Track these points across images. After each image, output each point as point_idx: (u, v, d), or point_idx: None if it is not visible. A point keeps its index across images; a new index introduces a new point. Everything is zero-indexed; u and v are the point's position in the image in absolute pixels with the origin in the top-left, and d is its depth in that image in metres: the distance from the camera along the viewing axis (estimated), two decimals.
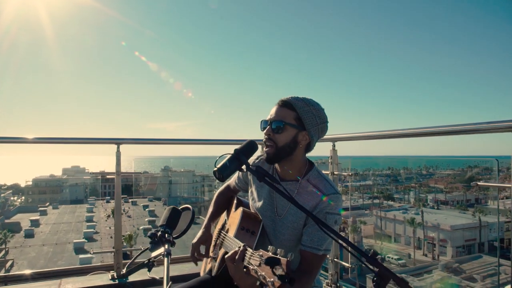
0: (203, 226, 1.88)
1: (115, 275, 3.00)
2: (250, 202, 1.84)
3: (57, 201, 49.34)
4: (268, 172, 1.45)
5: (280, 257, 1.00)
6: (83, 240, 37.22)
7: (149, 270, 1.30)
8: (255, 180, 1.81)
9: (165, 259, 1.22)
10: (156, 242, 1.33)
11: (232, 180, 2.02)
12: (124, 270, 1.30)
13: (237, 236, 1.58)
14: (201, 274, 1.91)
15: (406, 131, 2.61)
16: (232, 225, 1.71)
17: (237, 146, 1.51)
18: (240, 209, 1.73)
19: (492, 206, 44.69)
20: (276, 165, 1.71)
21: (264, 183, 1.74)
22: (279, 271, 0.98)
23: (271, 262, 1.00)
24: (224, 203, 2.02)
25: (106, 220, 42.34)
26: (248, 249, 1.21)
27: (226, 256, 1.26)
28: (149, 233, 1.37)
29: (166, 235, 1.33)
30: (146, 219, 40.33)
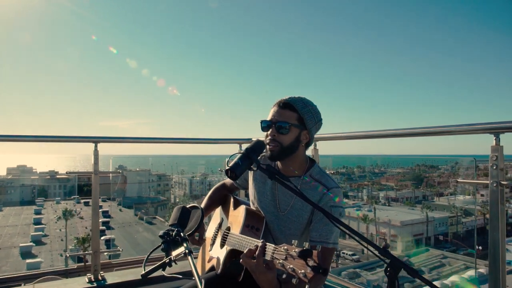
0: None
1: (92, 277, 2.92)
2: (251, 199, 1.88)
3: (0, 202, 46.29)
4: (278, 170, 1.51)
5: (311, 249, 1.07)
6: (31, 243, 35.21)
7: (163, 269, 1.30)
8: (256, 177, 1.85)
9: (189, 257, 1.23)
10: (170, 241, 1.33)
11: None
12: (143, 271, 1.28)
13: (243, 233, 1.61)
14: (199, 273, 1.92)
15: (387, 131, 2.78)
16: (235, 223, 1.74)
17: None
18: (243, 207, 1.77)
19: (438, 202, 47.52)
20: (278, 162, 1.77)
21: (266, 180, 1.81)
22: (311, 263, 1.04)
23: (305, 255, 1.05)
24: (218, 200, 2.05)
25: (56, 222, 40.31)
26: (269, 244, 1.26)
27: (244, 253, 1.30)
28: (161, 233, 1.37)
29: (182, 234, 1.33)
30: (100, 220, 38.82)
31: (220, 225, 1.95)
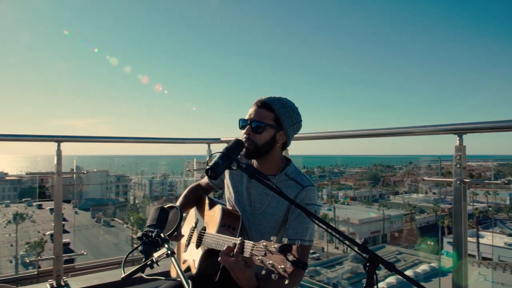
0: None
1: (54, 283, 2.80)
2: (228, 198, 1.89)
3: None
4: (257, 169, 1.52)
5: (291, 244, 1.08)
6: None
7: (143, 272, 1.26)
8: (232, 176, 1.85)
9: (172, 258, 1.20)
10: (149, 242, 1.30)
11: (205, 178, 2.04)
12: (123, 273, 1.23)
13: (219, 232, 1.61)
14: (174, 274, 1.88)
15: (355, 132, 2.86)
16: (211, 223, 1.73)
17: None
18: (219, 206, 1.76)
19: (393, 200, 49.41)
20: (254, 161, 1.78)
21: (242, 179, 1.82)
22: (291, 257, 1.05)
23: (285, 250, 1.07)
24: (193, 199, 2.03)
25: (5, 227, 37.99)
26: (247, 241, 1.26)
27: (222, 251, 1.30)
28: (139, 234, 1.34)
29: (162, 234, 1.30)
30: (53, 224, 36.98)
31: (195, 225, 1.93)
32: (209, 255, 1.64)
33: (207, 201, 1.93)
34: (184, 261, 1.82)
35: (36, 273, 2.99)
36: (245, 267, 1.29)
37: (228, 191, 1.89)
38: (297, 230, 1.63)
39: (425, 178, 2.17)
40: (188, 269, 1.74)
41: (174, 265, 1.17)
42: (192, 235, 1.90)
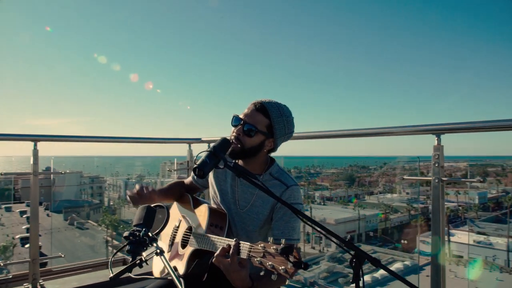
0: None
1: (30, 287, 2.73)
2: (212, 196, 1.89)
3: None
4: (245, 168, 1.52)
5: (292, 246, 1.10)
6: None
7: (130, 271, 1.25)
8: (217, 175, 1.86)
9: (161, 257, 1.19)
10: (136, 242, 1.29)
11: (189, 178, 2.06)
12: (111, 273, 1.21)
13: (207, 232, 1.61)
14: (156, 275, 1.86)
15: (335, 132, 2.91)
16: (198, 223, 1.71)
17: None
18: (206, 206, 1.76)
19: (368, 200, 50.37)
20: (239, 160, 1.78)
21: (226, 178, 1.82)
22: (292, 259, 1.07)
23: (287, 251, 1.08)
24: (176, 193, 2.02)
25: None
26: (243, 243, 1.27)
27: (217, 252, 1.30)
28: (126, 234, 1.32)
29: (150, 234, 1.29)
30: (24, 227, 35.70)
31: (178, 225, 1.92)
32: (197, 255, 1.63)
33: (190, 200, 1.92)
34: (169, 261, 1.80)
35: (11, 277, 2.89)
36: (240, 267, 1.29)
37: (213, 189, 1.89)
38: (283, 230, 1.64)
39: (405, 177, 2.24)
40: (174, 269, 1.72)
41: (164, 264, 1.17)
42: (175, 235, 1.89)
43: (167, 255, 1.83)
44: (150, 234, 1.30)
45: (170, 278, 1.68)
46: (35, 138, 2.78)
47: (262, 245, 1.17)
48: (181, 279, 1.12)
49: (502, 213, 41.38)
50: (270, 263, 1.11)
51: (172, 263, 1.76)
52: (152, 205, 1.53)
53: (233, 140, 1.65)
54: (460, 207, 43.01)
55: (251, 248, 1.22)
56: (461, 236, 30.79)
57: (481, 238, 31.53)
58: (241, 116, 1.68)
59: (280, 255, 1.09)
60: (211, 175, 1.90)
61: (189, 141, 3.68)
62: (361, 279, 1.27)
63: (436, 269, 2.01)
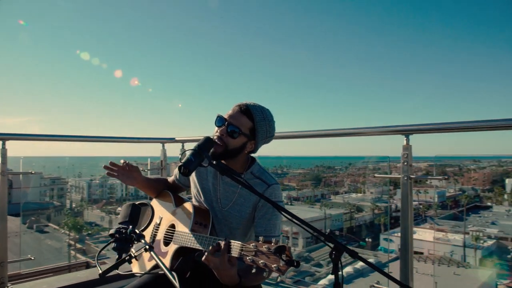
0: None
1: None
2: (194, 195, 1.91)
3: None
4: (228, 166, 1.56)
5: (285, 245, 1.15)
6: None
7: (117, 268, 1.26)
8: (199, 174, 1.88)
9: (151, 252, 1.21)
10: (122, 239, 1.30)
11: (171, 178, 2.10)
12: (100, 270, 1.21)
13: (192, 230, 1.63)
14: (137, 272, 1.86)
15: (306, 132, 2.99)
16: (181, 221, 1.73)
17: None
18: (189, 204, 1.78)
19: (334, 200, 51.42)
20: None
21: (207, 177, 1.85)
22: (284, 257, 1.12)
23: (280, 250, 1.13)
24: (159, 188, 2.05)
25: None
26: (234, 241, 1.31)
27: (208, 251, 1.33)
28: (112, 231, 1.33)
29: (137, 230, 1.31)
30: None
31: (159, 222, 1.92)
32: (181, 253, 1.65)
33: (172, 197, 1.93)
34: (151, 259, 1.81)
35: None
36: (230, 265, 1.32)
37: (195, 188, 1.91)
38: (265, 227, 1.69)
39: (376, 175, 2.34)
40: (156, 266, 1.73)
41: (155, 259, 1.19)
42: (157, 232, 1.89)
43: (148, 253, 1.83)
44: (137, 230, 1.31)
45: (158, 273, 1.71)
46: (4, 137, 2.70)
47: (253, 244, 1.22)
48: (173, 273, 1.14)
49: (459, 211, 43.49)
50: (262, 261, 1.16)
51: (153, 261, 1.76)
52: (137, 203, 1.54)
53: (216, 140, 1.68)
54: (421, 206, 44.78)
55: (243, 247, 1.26)
56: (422, 233, 32.05)
57: (440, 235, 32.99)
58: (225, 116, 1.71)
59: (273, 254, 1.14)
60: (193, 174, 1.92)
61: (163, 140, 3.66)
62: (340, 270, 1.35)
63: (405, 260, 2.13)
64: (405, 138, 2.14)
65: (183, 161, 1.50)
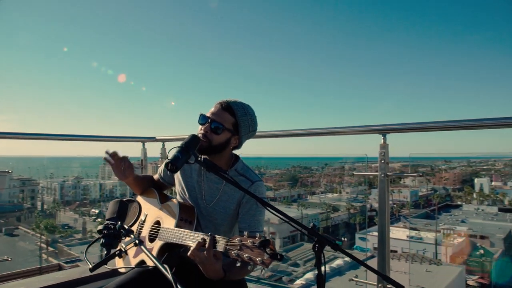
0: None
1: None
2: (179, 192, 1.95)
3: None
4: (214, 163, 1.61)
5: (269, 240, 1.20)
6: None
7: (106, 263, 1.27)
8: (183, 172, 1.92)
9: (141, 247, 1.24)
10: (110, 235, 1.32)
11: (155, 176, 2.13)
12: (90, 265, 1.22)
13: (178, 226, 1.66)
14: (121, 269, 1.87)
15: (285, 132, 3.06)
16: (166, 217, 1.76)
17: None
18: (175, 200, 1.82)
19: (310, 200, 51.97)
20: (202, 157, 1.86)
21: (192, 174, 1.89)
22: (268, 251, 1.17)
23: (264, 244, 1.18)
24: (145, 185, 2.09)
25: None
26: (219, 236, 1.35)
27: (194, 246, 1.37)
28: (100, 227, 1.34)
29: (126, 226, 1.33)
30: None
31: (144, 219, 1.94)
32: (166, 249, 1.68)
33: (157, 195, 1.96)
34: (136, 255, 1.83)
35: None
36: (215, 260, 1.37)
37: (180, 186, 1.95)
38: (249, 223, 1.74)
39: (355, 172, 2.42)
40: (143, 262, 1.75)
41: (146, 253, 1.22)
42: (142, 229, 1.91)
43: (133, 249, 1.84)
44: (126, 226, 1.33)
45: (146, 268, 1.73)
46: None
47: (238, 238, 1.26)
48: (165, 265, 1.17)
49: (431, 210, 44.79)
50: (247, 255, 1.21)
51: (139, 257, 1.78)
52: (124, 199, 1.56)
53: (201, 137, 1.73)
54: (395, 205, 45.83)
55: (228, 242, 1.30)
56: (396, 232, 32.80)
57: (413, 233, 33.88)
58: (208, 114, 1.76)
59: (258, 247, 1.19)
60: (179, 172, 1.95)
61: (143, 139, 3.65)
62: (323, 262, 1.41)
63: (382, 255, 2.22)
64: (382, 137, 2.24)
65: (170, 158, 1.53)
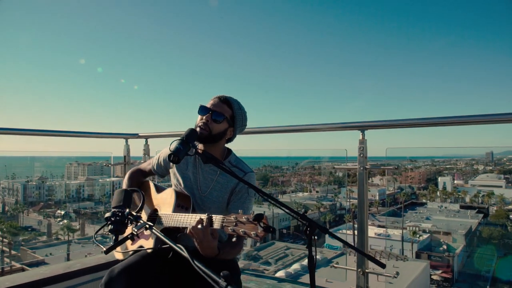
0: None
1: None
2: (175, 183, 2.04)
3: None
4: (212, 155, 1.72)
5: (262, 214, 1.32)
6: None
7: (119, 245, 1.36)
8: (179, 165, 2.02)
9: (154, 230, 1.33)
10: (118, 221, 1.40)
11: (147, 164, 2.22)
12: (103, 248, 1.30)
13: (175, 212, 1.76)
14: (119, 256, 1.95)
15: (264, 128, 3.20)
16: (164, 205, 1.86)
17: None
18: (171, 189, 1.93)
19: (281, 199, 52.46)
20: (200, 150, 1.97)
21: (188, 166, 1.99)
22: (262, 224, 1.29)
23: (258, 218, 1.30)
24: (136, 182, 2.16)
25: None
26: (215, 215, 1.47)
27: (193, 225, 1.48)
28: (107, 214, 1.43)
29: (134, 212, 1.42)
30: None
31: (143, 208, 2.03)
32: (164, 234, 1.77)
33: (151, 186, 2.05)
34: (134, 242, 1.91)
35: None
36: (212, 238, 1.50)
37: (175, 177, 2.04)
38: (239, 208, 1.86)
39: (335, 166, 2.57)
40: (141, 247, 1.84)
41: (159, 235, 1.31)
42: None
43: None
44: (134, 212, 1.43)
45: (141, 253, 1.81)
46: None
47: (234, 216, 1.38)
48: (179, 245, 1.26)
49: (397, 208, 46.33)
50: (242, 229, 1.33)
51: (139, 243, 1.87)
52: (129, 189, 1.65)
53: (202, 126, 1.86)
54: None
55: (224, 219, 1.43)
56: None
57: (381, 230, 34.94)
58: (208, 106, 1.91)
59: (252, 222, 1.31)
60: (173, 166, 2.05)
61: (126, 136, 3.68)
62: (314, 245, 1.55)
63: (361, 242, 2.40)
64: (361, 133, 2.41)
65: (172, 149, 1.64)
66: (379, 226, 36.92)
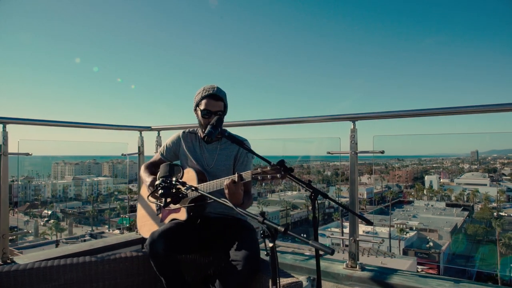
0: (148, 179, 2.35)
1: (0, 262, 2.87)
2: (185, 165, 2.42)
3: None
4: (232, 135, 2.19)
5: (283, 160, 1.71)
6: None
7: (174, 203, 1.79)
8: (187, 146, 2.43)
9: (199, 191, 1.74)
10: (167, 187, 1.77)
11: (155, 157, 2.61)
12: (158, 202, 1.67)
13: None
14: (147, 235, 2.26)
15: (256, 121, 3.54)
16: (189, 181, 2.21)
17: None
18: (189, 169, 2.31)
19: (270, 198, 52.84)
20: (199, 133, 2.42)
21: (195, 147, 2.41)
22: (283, 168, 1.69)
23: (281, 163, 1.69)
24: (152, 173, 2.48)
25: None
26: (244, 172, 1.92)
27: (229, 182, 1.95)
28: (157, 182, 1.80)
29: (180, 180, 1.81)
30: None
31: None
32: (193, 203, 2.17)
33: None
34: (165, 217, 2.33)
35: None
36: (241, 191, 1.99)
37: (186, 158, 2.42)
38: (244, 170, 2.17)
39: (329, 150, 2.90)
40: (174, 219, 2.26)
41: (205, 195, 1.69)
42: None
43: (164, 211, 2.35)
44: (179, 180, 1.82)
45: (176, 222, 2.21)
46: (4, 121, 2.91)
47: (259, 167, 1.78)
48: (226, 201, 1.62)
49: (385, 206, 47.15)
50: (268, 176, 1.73)
51: (171, 216, 2.28)
52: (172, 163, 2.08)
53: (214, 123, 2.18)
54: None
55: (252, 172, 1.84)
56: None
57: (369, 228, 35.56)
58: (212, 110, 2.26)
59: (273, 167, 1.70)
60: (184, 147, 2.44)
61: (140, 128, 4.02)
62: (317, 209, 1.95)
63: (353, 227, 2.80)
64: (352, 123, 2.78)
65: (206, 132, 2.08)
66: (367, 224, 37.50)
